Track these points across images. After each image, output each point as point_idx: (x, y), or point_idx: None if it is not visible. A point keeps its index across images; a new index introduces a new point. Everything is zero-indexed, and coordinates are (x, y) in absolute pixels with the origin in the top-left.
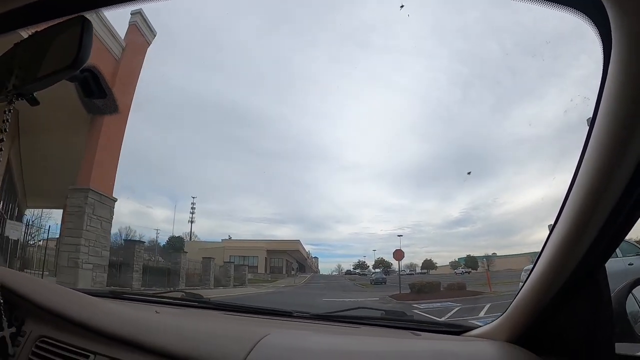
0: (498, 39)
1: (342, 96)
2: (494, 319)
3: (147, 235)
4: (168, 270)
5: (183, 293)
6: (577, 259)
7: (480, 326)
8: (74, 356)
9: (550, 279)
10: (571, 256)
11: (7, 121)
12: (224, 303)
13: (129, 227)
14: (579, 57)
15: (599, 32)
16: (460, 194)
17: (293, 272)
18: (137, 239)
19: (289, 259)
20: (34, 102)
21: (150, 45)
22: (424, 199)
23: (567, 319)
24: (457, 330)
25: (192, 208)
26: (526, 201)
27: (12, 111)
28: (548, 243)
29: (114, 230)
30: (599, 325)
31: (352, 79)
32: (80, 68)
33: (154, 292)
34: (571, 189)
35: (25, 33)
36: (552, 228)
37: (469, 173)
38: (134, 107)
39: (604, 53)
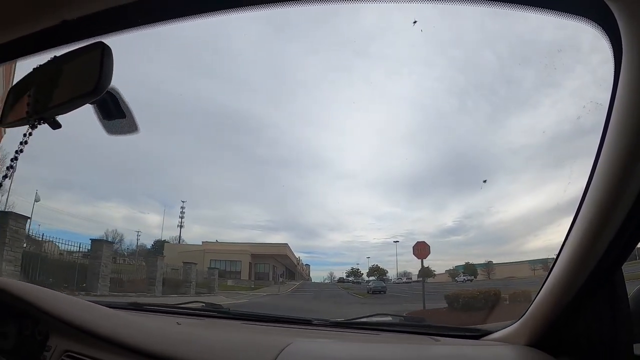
0: (495, 48)
1: (338, 104)
2: (511, 322)
3: (138, 240)
4: (79, 268)
5: (203, 304)
6: (595, 262)
7: (499, 330)
8: None
9: (568, 282)
10: (588, 259)
11: (26, 143)
12: (244, 313)
13: (116, 230)
14: (574, 68)
15: (609, 40)
16: (453, 203)
17: (281, 279)
18: (21, 214)
19: (276, 265)
20: (56, 125)
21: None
22: (417, 207)
23: (585, 321)
24: (475, 334)
25: (182, 212)
26: (519, 210)
27: (32, 134)
28: (565, 246)
29: (99, 232)
30: (617, 326)
31: (348, 86)
32: (102, 94)
33: (174, 303)
34: (586, 193)
35: (44, 58)
36: (568, 231)
37: (484, 181)
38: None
39: (614, 60)
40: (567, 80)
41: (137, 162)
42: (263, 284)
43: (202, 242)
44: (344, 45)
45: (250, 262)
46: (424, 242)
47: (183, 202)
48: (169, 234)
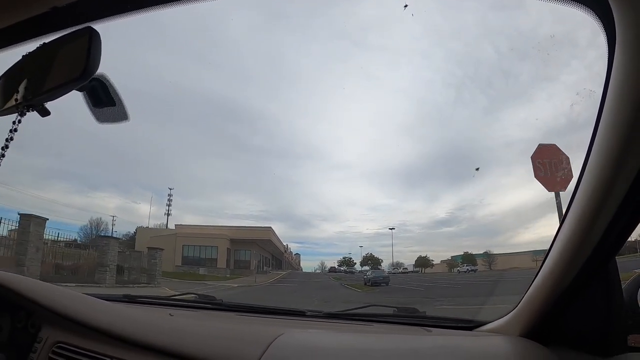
0: (493, 42)
1: (334, 94)
2: (505, 313)
3: (128, 229)
4: None
5: (196, 295)
6: (588, 252)
7: (492, 321)
8: None
9: (561, 272)
10: (582, 249)
11: (15, 131)
12: (237, 304)
13: (101, 218)
14: (570, 63)
15: (603, 26)
16: (447, 195)
17: (265, 268)
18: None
19: (260, 252)
20: (44, 112)
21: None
22: (411, 198)
23: (579, 312)
24: (468, 325)
25: (169, 200)
26: (511, 203)
27: (21, 122)
28: (558, 236)
29: (83, 222)
30: (611, 317)
31: (345, 77)
32: (90, 79)
33: (167, 295)
34: (580, 182)
35: (33, 45)
36: (561, 221)
37: (477, 169)
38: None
39: (608, 47)
40: (563, 75)
41: (130, 152)
42: (242, 273)
43: (175, 225)
44: (342, 35)
45: (228, 248)
46: (553, 145)
47: (170, 189)
48: (160, 224)
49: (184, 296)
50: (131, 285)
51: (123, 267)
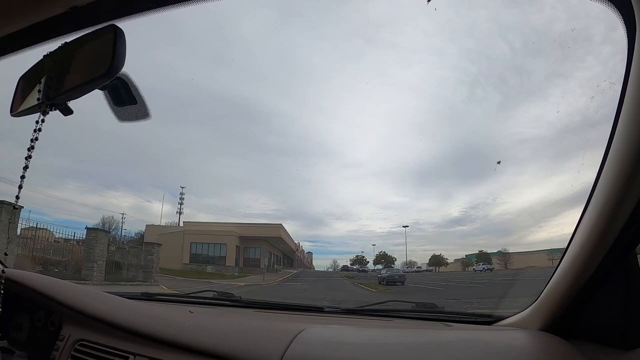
0: (506, 38)
1: (346, 92)
2: (524, 308)
3: (141, 227)
4: None
5: (215, 292)
6: (609, 244)
7: (511, 315)
8: (113, 358)
9: (582, 265)
10: (602, 242)
11: (40, 130)
12: (256, 301)
13: (113, 216)
14: (585, 59)
15: (623, 19)
16: (460, 193)
17: (277, 266)
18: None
19: (271, 250)
20: (67, 111)
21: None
22: (424, 197)
23: (599, 306)
24: (488, 320)
25: (181, 198)
26: (525, 201)
27: (44, 121)
28: (578, 230)
29: (95, 220)
30: (632, 310)
31: (357, 75)
32: (115, 76)
33: (186, 292)
34: (600, 174)
35: (54, 45)
36: (581, 215)
37: (498, 162)
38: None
39: (628, 40)
40: (578, 71)
41: (144, 151)
42: (252, 271)
43: (184, 222)
44: (354, 33)
45: (237, 246)
46: None
47: (182, 187)
48: (172, 222)
49: (202, 293)
50: (123, 282)
51: (120, 263)
